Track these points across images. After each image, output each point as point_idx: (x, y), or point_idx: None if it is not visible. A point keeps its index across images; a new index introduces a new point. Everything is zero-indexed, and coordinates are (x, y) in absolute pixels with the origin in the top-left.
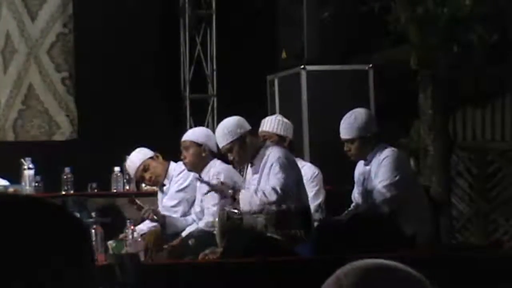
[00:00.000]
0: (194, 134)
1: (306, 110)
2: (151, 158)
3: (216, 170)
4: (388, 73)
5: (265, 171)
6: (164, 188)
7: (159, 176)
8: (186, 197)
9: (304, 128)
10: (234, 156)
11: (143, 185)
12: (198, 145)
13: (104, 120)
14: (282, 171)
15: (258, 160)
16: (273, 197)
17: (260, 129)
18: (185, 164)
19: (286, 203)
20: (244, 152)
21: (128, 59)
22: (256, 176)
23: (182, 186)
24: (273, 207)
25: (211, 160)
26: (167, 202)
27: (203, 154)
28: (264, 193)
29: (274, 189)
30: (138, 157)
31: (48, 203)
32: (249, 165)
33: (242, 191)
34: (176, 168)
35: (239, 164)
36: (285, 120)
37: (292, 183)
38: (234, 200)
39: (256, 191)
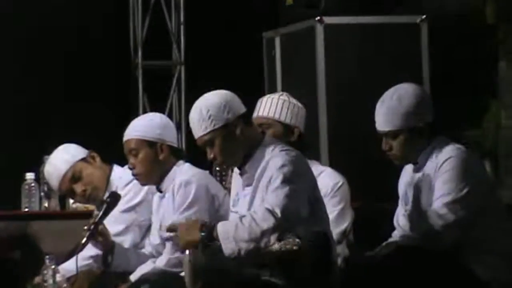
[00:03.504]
0: (141, 128)
1: (324, 84)
2: (83, 160)
3: (183, 178)
4: (450, 29)
5: (263, 183)
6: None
7: (97, 189)
8: (138, 219)
9: (321, 113)
10: (215, 153)
11: (71, 201)
12: (151, 143)
13: (11, 101)
14: (286, 185)
15: (253, 165)
16: (266, 222)
17: (255, 114)
18: (135, 176)
19: (292, 232)
20: (231, 147)
21: (48, 5)
22: (249, 189)
23: (131, 204)
24: (271, 239)
25: (174, 163)
26: (109, 228)
27: (160, 157)
28: (253, 218)
29: (270, 211)
30: (64, 158)
31: None
32: (238, 171)
33: (219, 225)
34: (122, 175)
35: (223, 165)
36: (294, 100)
37: (303, 203)
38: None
39: (241, 219)
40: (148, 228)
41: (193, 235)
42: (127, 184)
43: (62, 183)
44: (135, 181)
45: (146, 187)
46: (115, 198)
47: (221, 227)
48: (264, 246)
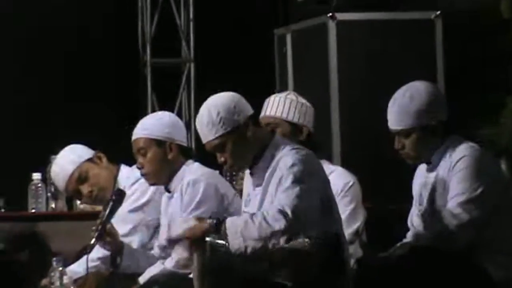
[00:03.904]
0: (149, 126)
1: (336, 82)
2: (90, 160)
3: (191, 177)
4: (465, 25)
5: (273, 183)
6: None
7: (104, 189)
8: (146, 219)
9: (333, 111)
10: (226, 158)
11: (78, 202)
12: (159, 143)
13: (17, 101)
14: (297, 185)
15: (263, 165)
16: (278, 223)
17: (262, 114)
18: (144, 175)
19: (303, 233)
20: (242, 150)
21: (48, 5)
22: (259, 189)
23: (139, 203)
24: (281, 241)
25: (183, 162)
26: (116, 228)
27: (169, 156)
28: (265, 218)
29: (281, 211)
30: (70, 159)
31: None
32: (249, 172)
33: (229, 219)
34: (129, 175)
35: (234, 169)
36: (302, 100)
37: (315, 203)
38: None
39: (252, 217)
40: (156, 228)
41: (200, 227)
42: (133, 184)
43: (68, 183)
44: (141, 180)
45: (153, 187)
46: (120, 195)
47: (230, 222)
48: (272, 247)
